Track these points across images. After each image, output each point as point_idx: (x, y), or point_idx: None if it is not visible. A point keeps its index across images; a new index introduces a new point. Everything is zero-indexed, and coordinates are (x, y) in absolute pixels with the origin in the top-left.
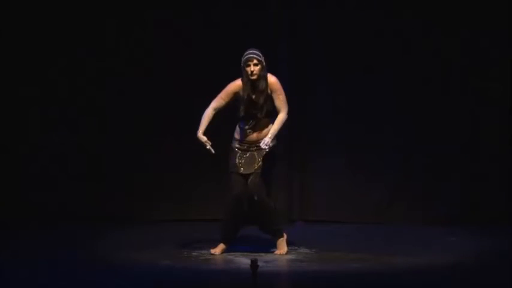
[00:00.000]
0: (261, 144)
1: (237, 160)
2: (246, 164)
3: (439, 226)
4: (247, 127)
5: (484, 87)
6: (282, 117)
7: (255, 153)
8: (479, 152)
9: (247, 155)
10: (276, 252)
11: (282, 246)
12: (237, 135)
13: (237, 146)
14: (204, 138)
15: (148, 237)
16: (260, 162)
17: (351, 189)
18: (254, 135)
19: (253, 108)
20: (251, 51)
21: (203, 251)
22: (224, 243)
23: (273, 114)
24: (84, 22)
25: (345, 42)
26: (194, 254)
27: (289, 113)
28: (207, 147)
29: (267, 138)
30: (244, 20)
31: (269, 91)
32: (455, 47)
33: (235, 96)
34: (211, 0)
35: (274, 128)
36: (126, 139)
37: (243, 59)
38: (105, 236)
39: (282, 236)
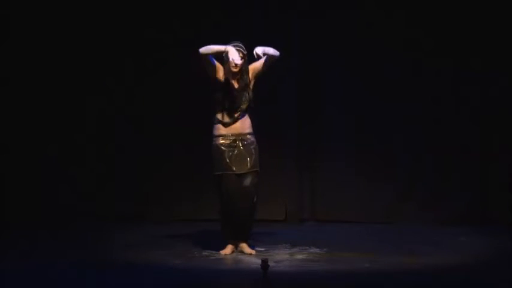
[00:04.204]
0: (255, 51)
1: (226, 159)
2: (236, 162)
3: (449, 226)
4: (230, 120)
5: (488, 89)
6: None
7: (243, 149)
8: (490, 152)
9: (235, 152)
10: (247, 251)
11: (248, 248)
12: (217, 131)
13: (221, 142)
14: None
15: (159, 237)
16: (253, 161)
17: (362, 189)
18: (238, 126)
19: (234, 98)
20: (237, 44)
21: (213, 251)
22: (231, 244)
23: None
24: (90, 23)
25: (357, 43)
26: (204, 253)
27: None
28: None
29: (259, 49)
30: (251, 19)
31: (250, 76)
32: (462, 53)
33: (219, 72)
34: (224, 1)
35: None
36: (136, 139)
37: None
38: (115, 236)
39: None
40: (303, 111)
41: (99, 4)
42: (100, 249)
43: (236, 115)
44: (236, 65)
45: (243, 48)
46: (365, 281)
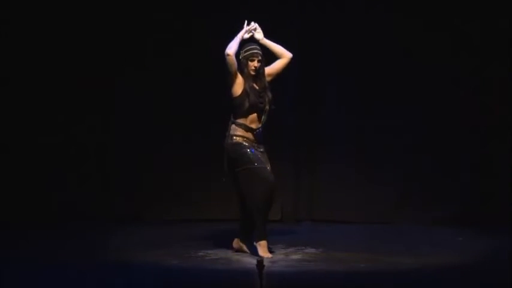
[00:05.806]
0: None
1: (259, 155)
2: (264, 160)
3: (446, 226)
4: (258, 125)
5: (487, 89)
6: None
7: (263, 152)
8: (488, 152)
9: (259, 152)
10: (264, 255)
11: (265, 250)
12: (240, 133)
13: (244, 140)
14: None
15: (155, 237)
16: (270, 168)
17: (359, 189)
18: (260, 132)
19: (259, 97)
20: (256, 47)
21: (209, 251)
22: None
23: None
24: (90, 23)
25: (355, 43)
26: (200, 253)
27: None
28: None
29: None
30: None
31: (267, 80)
32: (462, 52)
33: (239, 76)
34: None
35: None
36: (134, 138)
37: (247, 53)
38: (113, 236)
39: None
40: (303, 111)
41: (99, 4)
42: (99, 249)
43: (262, 118)
44: (255, 68)
45: (261, 51)
46: (363, 281)
